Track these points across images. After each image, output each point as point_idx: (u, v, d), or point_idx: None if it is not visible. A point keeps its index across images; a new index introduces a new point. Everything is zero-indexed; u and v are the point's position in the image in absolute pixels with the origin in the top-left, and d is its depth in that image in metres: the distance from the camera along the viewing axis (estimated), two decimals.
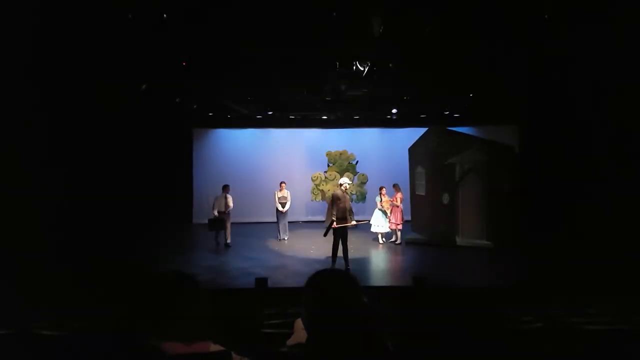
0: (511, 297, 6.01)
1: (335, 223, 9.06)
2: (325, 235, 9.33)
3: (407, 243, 11.91)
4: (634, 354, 2.92)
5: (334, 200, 9.10)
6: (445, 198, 11.72)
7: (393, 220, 11.91)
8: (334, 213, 9.07)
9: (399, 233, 11.95)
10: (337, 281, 1.76)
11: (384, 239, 12.12)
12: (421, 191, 12.59)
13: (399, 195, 11.97)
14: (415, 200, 13.02)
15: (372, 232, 12.21)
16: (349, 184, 9.38)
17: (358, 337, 1.65)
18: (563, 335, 3.36)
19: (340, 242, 9.19)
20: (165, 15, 5.70)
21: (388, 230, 12.05)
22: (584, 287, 6.31)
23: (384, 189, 12.16)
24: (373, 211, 12.34)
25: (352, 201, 13.60)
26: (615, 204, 9.20)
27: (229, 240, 11.87)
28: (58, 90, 8.20)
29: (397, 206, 11.86)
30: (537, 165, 12.69)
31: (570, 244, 9.79)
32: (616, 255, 8.20)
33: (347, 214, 9.13)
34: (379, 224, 12.04)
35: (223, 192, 11.93)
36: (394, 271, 9.93)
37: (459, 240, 11.49)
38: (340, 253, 9.22)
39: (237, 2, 5.68)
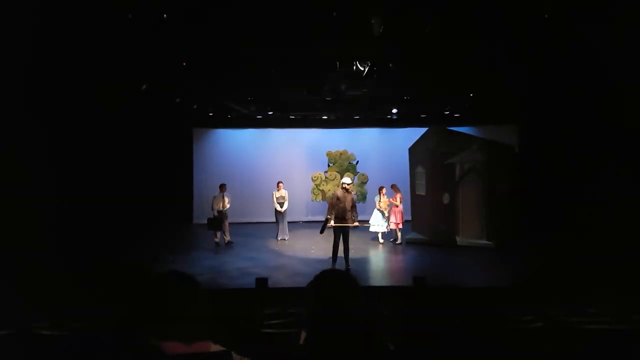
0: (511, 297, 6.01)
1: (333, 222, 9.11)
2: (321, 232, 9.43)
3: (407, 243, 11.93)
4: (634, 354, 2.92)
5: (334, 200, 9.16)
6: (446, 198, 11.72)
7: (393, 220, 11.94)
8: (332, 212, 9.12)
9: (399, 233, 11.98)
10: (338, 282, 1.77)
11: (383, 239, 12.15)
12: (421, 191, 12.60)
13: (398, 195, 12.02)
14: (415, 200, 13.03)
15: (372, 232, 12.27)
16: (348, 183, 9.39)
17: (358, 338, 1.65)
18: (563, 335, 3.36)
19: (340, 241, 9.21)
20: (165, 15, 5.70)
21: (386, 230, 12.09)
22: (584, 287, 6.31)
23: (383, 189, 12.20)
24: (373, 211, 12.40)
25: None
26: (615, 204, 9.20)
27: (229, 239, 11.92)
28: (58, 90, 8.20)
29: (397, 206, 11.90)
30: (537, 165, 12.69)
31: (570, 244, 9.79)
32: (616, 255, 8.20)
33: (348, 214, 9.13)
34: (378, 223, 12.09)
35: (220, 191, 11.98)
36: (394, 271, 9.93)
37: (459, 240, 11.50)
38: (341, 253, 9.25)
39: (237, 2, 5.68)
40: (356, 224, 9.40)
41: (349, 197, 9.20)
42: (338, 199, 9.11)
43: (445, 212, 11.73)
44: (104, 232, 9.99)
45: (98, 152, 9.88)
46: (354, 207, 9.27)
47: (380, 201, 12.08)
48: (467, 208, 11.51)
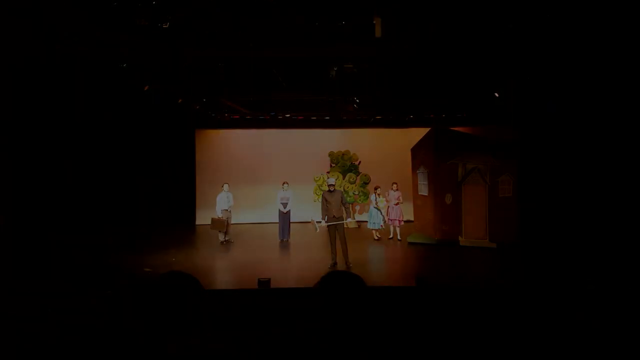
0: (512, 297, 6.01)
1: (325, 222, 9.39)
2: (316, 230, 9.77)
3: (409, 243, 11.96)
4: (633, 352, 2.93)
5: (323, 201, 9.51)
6: (448, 198, 11.73)
7: (390, 217, 12.22)
8: (324, 213, 9.41)
9: (397, 230, 12.30)
10: (345, 284, 1.79)
11: (379, 235, 12.48)
12: (424, 191, 12.61)
13: (398, 193, 12.29)
14: (418, 201, 13.05)
15: (369, 230, 12.60)
16: (332, 184, 9.69)
17: (364, 337, 1.67)
18: (563, 335, 3.37)
19: (337, 239, 9.31)
20: (169, 17, 5.72)
21: (382, 227, 12.30)
22: (584, 287, 6.31)
23: (379, 188, 12.42)
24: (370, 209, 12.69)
25: (354, 201, 13.88)
26: (615, 204, 9.19)
27: (227, 238, 11.96)
28: (59, 91, 8.24)
29: (398, 203, 12.26)
30: (538, 165, 12.68)
31: (570, 243, 9.79)
32: (616, 254, 8.20)
33: (338, 212, 9.33)
34: (375, 221, 12.26)
35: (223, 190, 12.04)
36: (396, 271, 9.94)
37: (462, 241, 11.50)
38: (340, 252, 9.31)
39: (239, 3, 5.70)
40: (351, 223, 9.58)
41: (336, 196, 9.43)
42: (326, 199, 9.38)
43: (448, 212, 11.73)
44: (106, 232, 10.04)
45: (100, 154, 9.92)
46: (344, 204, 9.48)
47: (377, 200, 12.24)
48: (469, 208, 11.52)
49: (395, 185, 12.52)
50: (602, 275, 7.35)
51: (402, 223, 12.35)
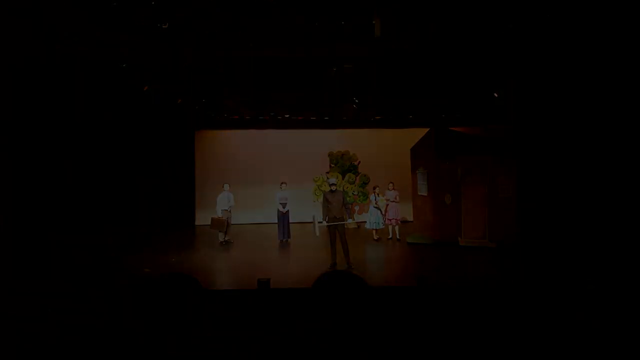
0: (512, 297, 6.01)
1: (326, 222, 9.37)
2: (316, 234, 9.67)
3: (409, 243, 11.96)
4: (633, 352, 2.93)
5: (324, 202, 9.51)
6: (448, 198, 11.73)
7: (388, 216, 12.27)
8: (325, 213, 9.40)
9: (396, 229, 12.35)
10: (343, 283, 1.79)
11: (378, 236, 12.49)
12: (423, 192, 12.62)
13: (395, 193, 12.36)
14: (417, 201, 13.06)
15: (369, 230, 12.62)
16: (333, 183, 9.66)
17: (363, 336, 1.67)
18: (563, 335, 3.37)
19: (337, 239, 9.31)
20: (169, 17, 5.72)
21: (382, 226, 12.37)
22: (584, 286, 6.31)
23: (377, 187, 12.50)
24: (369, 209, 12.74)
25: (354, 201, 13.89)
26: (615, 203, 9.20)
27: (227, 238, 11.96)
28: (59, 91, 8.24)
29: (395, 202, 12.33)
30: (537, 165, 12.68)
31: (570, 243, 9.79)
32: (616, 254, 8.21)
33: (339, 213, 9.34)
34: (374, 221, 12.29)
35: (224, 190, 12.05)
36: (396, 271, 9.94)
37: (462, 241, 11.50)
38: (340, 252, 9.31)
39: (240, 5, 5.70)
40: (351, 224, 9.58)
41: (337, 197, 9.45)
42: (327, 200, 9.39)
43: (448, 212, 11.73)
44: (107, 233, 10.04)
45: (101, 154, 9.91)
46: (345, 205, 9.49)
47: (376, 200, 12.27)
48: (469, 208, 11.52)
49: (391, 185, 12.54)
50: (602, 275, 7.36)
51: (400, 223, 12.40)
